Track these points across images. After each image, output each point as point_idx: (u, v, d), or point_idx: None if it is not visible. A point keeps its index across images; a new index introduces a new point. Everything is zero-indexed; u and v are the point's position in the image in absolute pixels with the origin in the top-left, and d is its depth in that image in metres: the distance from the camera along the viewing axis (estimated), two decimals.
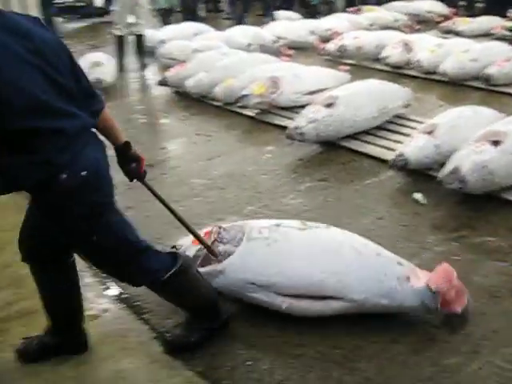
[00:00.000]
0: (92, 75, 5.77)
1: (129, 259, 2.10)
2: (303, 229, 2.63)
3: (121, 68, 7.21)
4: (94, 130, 2.08)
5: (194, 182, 4.11)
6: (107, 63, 6.62)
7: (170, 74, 6.20)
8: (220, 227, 2.79)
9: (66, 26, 10.71)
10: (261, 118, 5.29)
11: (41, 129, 1.82)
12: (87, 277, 2.86)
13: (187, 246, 2.73)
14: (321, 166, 4.29)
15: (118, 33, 7.23)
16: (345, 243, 2.55)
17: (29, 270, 2.24)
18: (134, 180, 2.30)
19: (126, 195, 3.18)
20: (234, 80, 5.63)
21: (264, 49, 7.39)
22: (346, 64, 6.83)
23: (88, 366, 2.33)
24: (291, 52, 7.65)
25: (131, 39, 7.47)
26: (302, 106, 4.88)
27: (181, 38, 7.81)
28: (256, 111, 5.36)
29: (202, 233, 2.75)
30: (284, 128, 4.72)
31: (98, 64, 6.38)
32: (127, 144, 2.22)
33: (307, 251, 2.50)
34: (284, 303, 2.48)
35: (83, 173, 1.90)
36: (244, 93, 5.34)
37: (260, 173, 4.21)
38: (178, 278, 2.22)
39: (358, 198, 3.73)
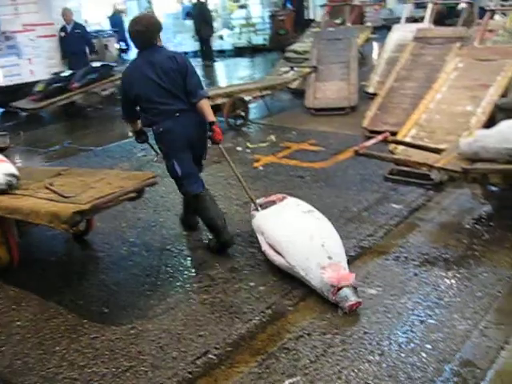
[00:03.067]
0: None
1: (176, 178, 3.96)
2: (306, 212, 3.71)
3: None
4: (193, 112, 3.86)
5: None
6: None
7: None
8: (284, 197, 4.13)
9: None
10: None
11: (150, 108, 3.85)
12: None
13: (259, 201, 4.23)
14: None
15: None
16: (311, 230, 3.52)
17: None
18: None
19: None
20: None
21: None
22: None
23: None
24: None
25: None
26: None
27: None
28: None
29: (273, 197, 4.18)
30: None
31: None
32: (211, 122, 3.89)
33: (288, 222, 3.64)
34: (263, 247, 3.74)
35: (161, 129, 3.86)
36: None
37: None
38: (198, 199, 3.92)
39: None
